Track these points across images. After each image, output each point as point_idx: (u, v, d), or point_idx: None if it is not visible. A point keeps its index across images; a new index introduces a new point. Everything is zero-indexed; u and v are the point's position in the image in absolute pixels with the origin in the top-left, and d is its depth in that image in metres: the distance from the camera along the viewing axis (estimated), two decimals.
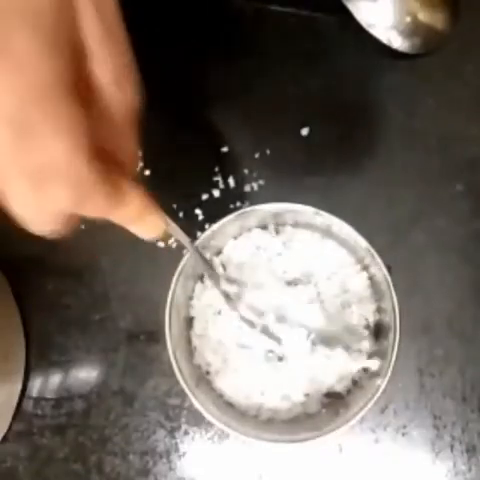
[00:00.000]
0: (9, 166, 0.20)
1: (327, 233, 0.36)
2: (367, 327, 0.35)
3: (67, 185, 0.20)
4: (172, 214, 0.39)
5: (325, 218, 0.34)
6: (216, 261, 0.36)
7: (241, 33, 0.42)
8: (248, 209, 0.34)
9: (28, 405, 0.38)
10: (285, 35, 0.42)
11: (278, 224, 0.37)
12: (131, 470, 0.37)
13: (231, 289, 0.34)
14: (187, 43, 0.41)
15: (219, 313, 0.35)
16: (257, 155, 0.40)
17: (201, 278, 0.36)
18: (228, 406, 0.35)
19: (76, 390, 0.38)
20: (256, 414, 0.35)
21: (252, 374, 0.34)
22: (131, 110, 0.22)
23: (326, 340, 0.34)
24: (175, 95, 0.41)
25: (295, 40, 0.42)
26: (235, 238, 0.37)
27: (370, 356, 0.35)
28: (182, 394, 0.36)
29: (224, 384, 0.35)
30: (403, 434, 0.37)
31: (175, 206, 0.39)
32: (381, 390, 0.32)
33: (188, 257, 0.34)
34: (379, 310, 0.35)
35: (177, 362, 0.32)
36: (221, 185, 0.40)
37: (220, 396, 0.35)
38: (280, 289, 0.35)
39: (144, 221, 0.25)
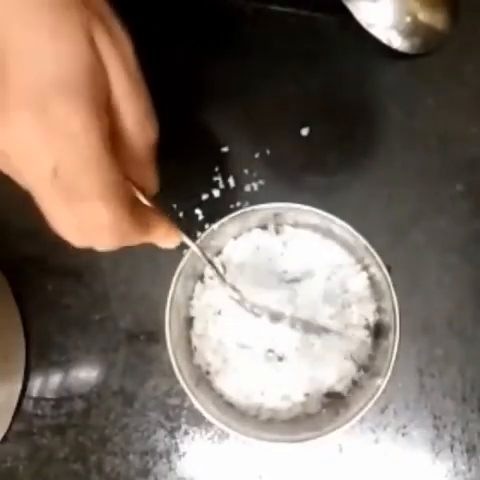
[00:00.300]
0: (58, 220, 0.23)
1: (327, 233, 0.36)
2: (367, 327, 0.35)
3: (111, 234, 0.23)
4: (172, 214, 0.39)
5: (325, 218, 0.34)
6: (216, 261, 0.36)
7: (241, 33, 0.42)
8: (248, 209, 0.34)
9: (28, 405, 0.38)
10: (285, 35, 0.42)
11: (278, 224, 0.37)
12: (131, 470, 0.37)
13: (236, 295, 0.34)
14: (187, 43, 0.41)
15: (219, 313, 0.35)
16: (257, 155, 0.40)
17: (201, 278, 0.36)
18: (228, 406, 0.35)
19: (76, 390, 0.38)
20: (256, 414, 0.35)
21: (252, 374, 0.34)
22: (152, 145, 0.24)
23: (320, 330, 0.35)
24: (175, 95, 0.41)
25: (295, 40, 0.42)
26: (235, 238, 0.37)
27: (370, 356, 0.35)
28: (182, 394, 0.36)
29: (224, 384, 0.35)
30: (403, 434, 0.37)
31: (175, 206, 0.39)
32: (381, 390, 0.32)
33: (188, 257, 0.34)
34: (379, 310, 0.35)
35: (177, 362, 0.32)
36: (221, 185, 0.40)
37: (220, 396, 0.35)
38: (280, 289, 0.35)
39: (164, 241, 0.29)
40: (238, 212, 0.34)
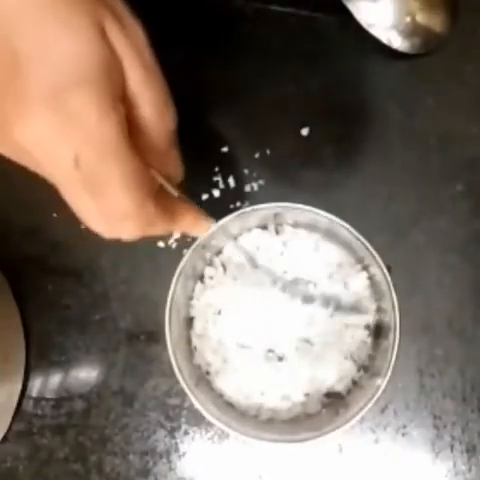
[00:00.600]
0: (84, 211, 0.23)
1: (327, 233, 0.36)
2: (367, 327, 0.35)
3: (136, 224, 0.24)
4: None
5: (325, 218, 0.34)
6: (216, 261, 0.36)
7: (241, 33, 0.42)
8: (248, 209, 0.34)
9: (28, 405, 0.38)
10: (285, 35, 0.42)
11: (278, 224, 0.37)
12: (131, 470, 0.37)
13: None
14: (187, 43, 0.41)
15: (219, 313, 0.35)
16: (257, 155, 0.40)
17: (201, 278, 0.37)
18: (228, 406, 0.35)
19: (76, 390, 0.38)
20: (256, 414, 0.35)
21: (252, 374, 0.34)
22: (172, 132, 0.24)
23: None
24: (174, 95, 0.41)
25: (295, 40, 0.42)
26: (235, 238, 0.37)
27: (370, 356, 0.35)
28: (182, 394, 0.36)
29: (224, 384, 0.35)
30: (403, 434, 0.37)
31: None
32: (381, 390, 0.32)
33: (188, 257, 0.34)
34: (379, 310, 0.35)
35: (177, 362, 0.32)
36: (221, 185, 0.40)
37: (220, 396, 0.35)
38: (280, 289, 0.35)
39: (193, 228, 0.30)
40: (238, 212, 0.34)
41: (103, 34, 0.20)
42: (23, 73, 0.19)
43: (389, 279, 0.33)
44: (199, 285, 0.36)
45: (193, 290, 0.36)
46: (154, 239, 0.39)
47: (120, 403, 0.38)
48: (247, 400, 0.35)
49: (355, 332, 0.35)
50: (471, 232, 0.40)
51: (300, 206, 0.34)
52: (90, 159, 0.21)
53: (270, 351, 0.35)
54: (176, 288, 0.33)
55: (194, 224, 0.29)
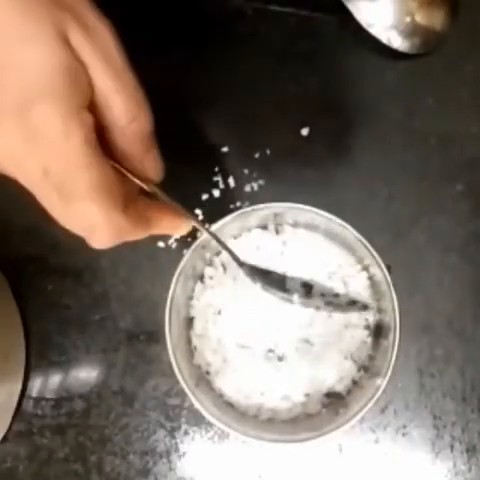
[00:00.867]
0: (58, 218, 0.23)
1: (327, 233, 0.36)
2: (367, 327, 0.35)
3: (105, 233, 0.23)
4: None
5: (325, 218, 0.34)
6: (216, 261, 0.36)
7: (241, 33, 0.42)
8: (248, 209, 0.34)
9: (28, 405, 0.38)
10: (285, 35, 0.42)
11: (278, 224, 0.37)
12: (131, 470, 0.37)
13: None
14: (186, 42, 0.41)
15: (219, 313, 0.35)
16: (257, 155, 0.40)
17: (201, 278, 0.37)
18: (228, 406, 0.35)
19: (76, 390, 0.38)
20: (256, 414, 0.35)
21: (252, 374, 0.34)
22: (148, 133, 0.24)
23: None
24: (174, 95, 0.41)
25: (295, 40, 0.42)
26: (235, 238, 0.37)
27: (370, 356, 0.35)
28: (182, 394, 0.36)
29: (224, 384, 0.35)
30: (403, 434, 0.37)
31: None
32: (381, 390, 0.32)
33: (188, 257, 0.34)
34: (379, 310, 0.35)
35: (177, 362, 0.32)
36: (221, 185, 0.40)
37: (220, 396, 0.35)
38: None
39: (173, 230, 0.29)
40: (238, 212, 0.34)
41: (66, 42, 0.20)
42: None
43: (389, 279, 0.33)
44: (199, 285, 0.36)
45: (193, 290, 0.36)
46: (154, 239, 0.39)
47: (120, 403, 0.38)
48: (247, 400, 0.35)
49: (355, 332, 0.35)
50: (471, 232, 0.40)
51: (300, 206, 0.34)
52: (57, 170, 0.21)
53: (270, 351, 0.35)
54: (176, 288, 0.33)
55: (174, 226, 0.29)
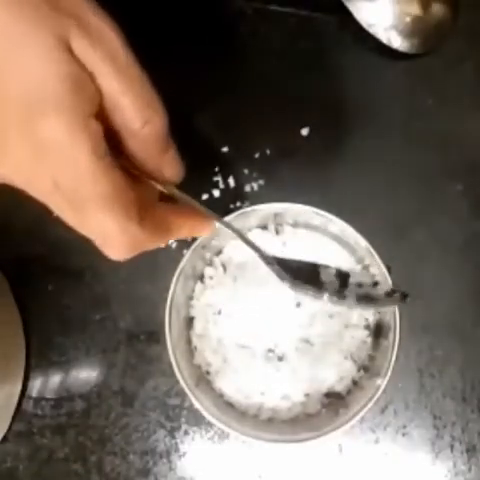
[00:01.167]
0: (76, 228, 0.22)
1: (327, 233, 0.36)
2: (367, 327, 0.35)
3: (124, 245, 0.23)
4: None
5: (325, 218, 0.34)
6: (216, 261, 0.36)
7: (241, 33, 0.42)
8: (248, 209, 0.34)
9: (28, 405, 0.38)
10: (285, 35, 0.42)
11: (278, 224, 0.37)
12: (131, 470, 0.37)
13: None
14: (187, 43, 0.41)
15: (219, 313, 0.35)
16: (257, 155, 0.40)
17: (201, 278, 0.37)
18: (228, 406, 0.35)
19: (76, 390, 0.38)
20: (256, 414, 0.35)
21: (252, 374, 0.34)
22: (163, 134, 0.23)
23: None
24: (174, 95, 0.40)
25: (295, 40, 0.42)
26: (235, 238, 0.37)
27: (370, 356, 0.35)
28: (182, 394, 0.36)
29: (224, 384, 0.35)
30: (403, 434, 0.37)
31: None
32: (381, 390, 0.32)
33: (188, 257, 0.34)
34: (379, 310, 0.35)
35: (177, 362, 0.32)
36: (221, 185, 0.40)
37: (220, 396, 0.35)
38: (280, 289, 0.35)
39: (197, 233, 0.28)
40: (238, 212, 0.34)
41: (68, 49, 0.19)
42: None
43: (389, 279, 0.33)
44: (199, 285, 0.36)
45: (193, 290, 0.36)
46: None
47: (120, 403, 0.38)
48: (247, 400, 0.35)
49: (355, 332, 0.35)
50: (471, 232, 0.40)
51: (300, 206, 0.34)
52: (67, 182, 0.20)
53: (270, 351, 0.35)
54: (176, 288, 0.33)
55: (194, 230, 0.28)
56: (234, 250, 0.36)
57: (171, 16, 0.42)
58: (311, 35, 0.42)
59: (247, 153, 0.40)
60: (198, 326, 0.36)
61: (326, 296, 0.31)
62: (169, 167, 0.25)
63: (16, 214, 0.40)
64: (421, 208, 0.40)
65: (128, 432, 0.37)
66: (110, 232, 0.22)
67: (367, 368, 0.35)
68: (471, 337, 0.38)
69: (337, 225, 0.34)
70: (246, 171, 0.40)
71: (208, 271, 0.36)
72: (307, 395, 0.35)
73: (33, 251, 0.39)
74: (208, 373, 0.35)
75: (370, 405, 0.32)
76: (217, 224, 0.34)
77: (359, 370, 0.35)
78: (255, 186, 0.40)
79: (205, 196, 0.40)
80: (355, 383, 0.35)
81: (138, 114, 0.22)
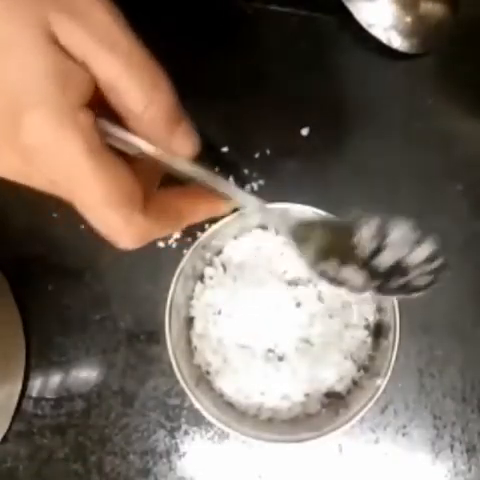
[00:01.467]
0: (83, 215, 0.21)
1: None
2: (367, 327, 0.35)
3: (131, 237, 0.22)
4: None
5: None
6: (216, 261, 0.36)
7: (241, 33, 0.42)
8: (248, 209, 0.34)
9: (28, 405, 0.38)
10: (285, 35, 0.42)
11: None
12: (131, 470, 0.37)
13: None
14: (187, 43, 0.41)
15: (219, 313, 0.35)
16: (257, 155, 0.40)
17: (201, 278, 0.36)
18: (228, 406, 0.35)
19: (76, 390, 0.38)
20: (256, 414, 0.35)
21: (252, 374, 0.34)
22: (171, 110, 0.22)
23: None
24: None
25: (295, 40, 0.42)
26: (235, 238, 0.37)
27: (370, 356, 0.35)
28: (182, 394, 0.36)
29: (224, 384, 0.35)
30: (403, 434, 0.37)
31: None
32: (381, 390, 0.32)
33: (188, 257, 0.34)
34: (379, 310, 0.35)
35: (177, 362, 0.32)
36: None
37: (220, 396, 0.35)
38: (280, 289, 0.35)
39: (214, 212, 0.26)
40: (238, 212, 0.34)
41: (52, 39, 0.18)
42: None
43: None
44: (199, 285, 0.36)
45: (193, 290, 0.36)
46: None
47: (120, 403, 0.38)
48: (247, 400, 0.35)
49: (355, 332, 0.35)
50: (471, 232, 0.40)
51: (300, 206, 0.34)
52: (63, 181, 0.19)
53: (270, 351, 0.35)
54: (176, 288, 0.33)
55: (210, 211, 0.26)
56: (234, 250, 0.36)
57: (171, 16, 0.42)
58: (311, 35, 0.42)
59: (247, 153, 0.40)
60: (198, 326, 0.36)
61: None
62: (182, 142, 0.23)
63: (16, 214, 0.40)
64: (421, 208, 0.40)
65: (128, 432, 0.37)
66: (115, 225, 0.21)
67: (367, 368, 0.35)
68: (471, 337, 0.38)
69: None
70: (246, 171, 0.40)
71: (208, 271, 0.36)
72: (307, 395, 0.35)
73: (33, 251, 0.39)
74: (208, 373, 0.35)
75: (370, 405, 0.32)
76: (217, 225, 0.34)
77: (359, 370, 0.35)
78: (255, 186, 0.40)
79: None
80: (355, 383, 0.35)
81: (140, 97, 0.20)
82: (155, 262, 0.39)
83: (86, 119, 0.19)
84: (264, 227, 0.37)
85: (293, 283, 0.35)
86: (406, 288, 0.26)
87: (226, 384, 0.35)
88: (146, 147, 0.22)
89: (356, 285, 0.26)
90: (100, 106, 0.20)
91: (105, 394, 0.38)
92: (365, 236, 0.27)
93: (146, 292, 0.39)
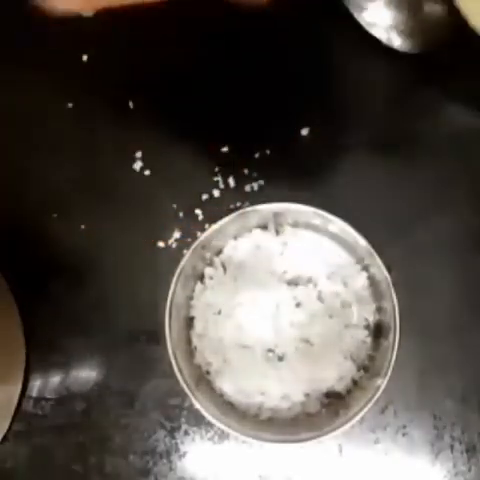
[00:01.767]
0: None
1: (327, 233, 0.36)
2: (367, 327, 0.35)
3: None
4: (172, 214, 0.39)
5: (325, 218, 0.34)
6: (216, 261, 0.36)
7: (241, 33, 0.42)
8: (248, 209, 0.34)
9: (28, 405, 0.38)
10: (285, 35, 0.42)
11: (278, 224, 0.37)
12: (131, 470, 0.37)
13: None
14: (187, 43, 0.41)
15: (219, 313, 0.35)
16: (257, 155, 0.40)
17: (201, 278, 0.37)
18: (228, 406, 0.35)
19: (76, 390, 0.38)
20: (256, 414, 0.35)
21: (252, 374, 0.34)
22: None
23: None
24: (174, 95, 0.41)
25: (295, 40, 0.42)
26: (235, 238, 0.37)
27: (370, 356, 0.35)
28: (182, 394, 0.36)
29: (224, 384, 0.35)
30: (403, 434, 0.37)
31: (175, 206, 0.39)
32: (381, 390, 0.32)
33: (188, 257, 0.34)
34: (379, 310, 0.35)
35: (177, 362, 0.32)
36: (221, 185, 0.40)
37: (220, 396, 0.35)
38: (280, 289, 0.35)
39: None
40: (238, 212, 0.34)
41: None
42: None
43: (389, 279, 0.33)
44: (199, 285, 0.36)
45: (193, 290, 0.36)
46: (154, 239, 0.39)
47: (120, 403, 0.38)
48: (247, 400, 0.35)
49: (355, 332, 0.35)
50: (471, 232, 0.39)
51: (300, 206, 0.34)
52: None
53: (270, 351, 0.35)
54: (176, 288, 0.33)
55: None
56: (234, 250, 0.36)
57: (170, 16, 0.42)
58: (311, 35, 0.42)
59: (247, 153, 0.40)
60: (198, 326, 0.36)
61: None
62: None
63: (16, 214, 0.40)
64: (421, 208, 0.40)
65: (128, 432, 0.37)
66: None
67: (367, 368, 0.35)
68: (471, 337, 0.38)
69: (337, 225, 0.34)
70: (246, 171, 0.40)
71: (208, 271, 0.36)
72: (307, 395, 0.35)
73: (33, 251, 0.39)
74: (208, 373, 0.35)
75: (370, 405, 0.32)
76: (217, 225, 0.34)
77: (359, 370, 0.35)
78: (255, 186, 0.40)
79: (205, 196, 0.40)
80: (355, 383, 0.35)
81: None
82: (155, 262, 0.39)
83: None
84: (264, 227, 0.37)
85: (293, 283, 0.35)
86: None
87: (226, 384, 0.35)
88: None
89: None
90: None
91: (105, 394, 0.38)
92: None
93: (146, 292, 0.39)
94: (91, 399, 0.38)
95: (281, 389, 0.34)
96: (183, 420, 0.37)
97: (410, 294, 0.38)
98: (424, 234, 0.39)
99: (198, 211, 0.39)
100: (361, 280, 0.36)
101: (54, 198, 0.40)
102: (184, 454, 0.37)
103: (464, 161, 0.40)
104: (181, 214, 0.39)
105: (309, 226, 0.36)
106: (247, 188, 0.40)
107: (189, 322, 0.36)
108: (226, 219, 0.34)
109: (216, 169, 0.40)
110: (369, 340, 0.35)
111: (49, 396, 0.38)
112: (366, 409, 0.32)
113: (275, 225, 0.37)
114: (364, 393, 0.33)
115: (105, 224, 0.40)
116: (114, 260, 0.39)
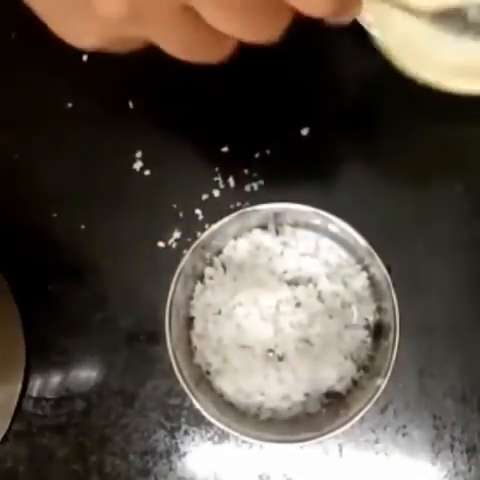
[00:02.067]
0: None
1: (327, 233, 0.36)
2: (367, 327, 0.35)
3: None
4: (172, 214, 0.39)
5: (325, 218, 0.34)
6: (216, 261, 0.36)
7: None
8: (248, 209, 0.34)
9: (28, 405, 0.38)
10: (285, 35, 0.42)
11: (278, 224, 0.37)
12: (131, 470, 0.37)
13: None
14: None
15: (219, 313, 0.35)
16: (257, 155, 0.40)
17: (201, 278, 0.37)
18: (228, 406, 0.35)
19: (76, 390, 0.38)
20: (256, 414, 0.35)
21: (252, 374, 0.34)
22: None
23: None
24: (174, 95, 0.41)
25: (295, 40, 0.42)
26: (235, 238, 0.37)
27: (370, 356, 0.35)
28: (182, 394, 0.36)
29: (224, 384, 0.35)
30: (403, 434, 0.37)
31: (175, 206, 0.39)
32: (381, 390, 0.32)
33: (188, 257, 0.34)
34: (379, 310, 0.35)
35: (177, 362, 0.32)
36: (221, 185, 0.40)
37: (220, 396, 0.35)
38: (280, 289, 0.35)
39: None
40: (238, 212, 0.34)
41: None
42: None
43: (389, 279, 0.33)
44: (199, 285, 0.36)
45: (193, 290, 0.36)
46: (154, 239, 0.39)
47: (120, 403, 0.38)
48: (247, 400, 0.35)
49: (355, 332, 0.35)
50: (471, 232, 0.39)
51: (300, 206, 0.34)
52: None
53: (270, 351, 0.35)
54: (176, 288, 0.33)
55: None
56: (234, 250, 0.37)
57: None
58: (311, 35, 0.42)
59: (247, 153, 0.40)
60: (198, 326, 0.36)
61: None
62: None
63: (16, 215, 0.40)
64: (421, 208, 0.40)
65: (128, 432, 0.37)
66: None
67: (367, 368, 0.35)
68: (471, 337, 0.38)
69: (337, 225, 0.34)
70: (246, 171, 0.40)
71: (208, 271, 0.36)
72: (307, 395, 0.35)
73: (33, 251, 0.39)
74: (208, 373, 0.35)
75: (370, 405, 0.32)
76: (217, 225, 0.34)
77: (359, 370, 0.35)
78: (255, 186, 0.40)
79: (205, 196, 0.40)
80: (355, 383, 0.35)
81: None
82: (155, 262, 0.39)
83: None
84: (264, 227, 0.37)
85: (293, 283, 0.35)
86: None
87: (226, 384, 0.35)
88: None
89: None
90: None
91: (105, 394, 0.38)
92: None
93: (146, 292, 0.39)
94: (91, 399, 0.38)
95: (281, 389, 0.34)
96: (183, 420, 0.37)
97: (410, 294, 0.38)
98: (424, 234, 0.39)
99: (198, 211, 0.39)
100: (361, 280, 0.36)
101: (54, 198, 0.40)
102: (184, 454, 0.37)
103: (464, 161, 0.40)
104: (181, 214, 0.39)
105: (309, 226, 0.36)
106: (247, 188, 0.40)
107: (189, 322, 0.36)
108: (226, 219, 0.34)
109: (216, 169, 0.40)
110: (369, 340, 0.35)
111: (49, 396, 0.38)
112: (366, 409, 0.32)
113: (275, 225, 0.37)
114: (364, 393, 0.33)
115: (105, 224, 0.40)
116: (114, 260, 0.39)
